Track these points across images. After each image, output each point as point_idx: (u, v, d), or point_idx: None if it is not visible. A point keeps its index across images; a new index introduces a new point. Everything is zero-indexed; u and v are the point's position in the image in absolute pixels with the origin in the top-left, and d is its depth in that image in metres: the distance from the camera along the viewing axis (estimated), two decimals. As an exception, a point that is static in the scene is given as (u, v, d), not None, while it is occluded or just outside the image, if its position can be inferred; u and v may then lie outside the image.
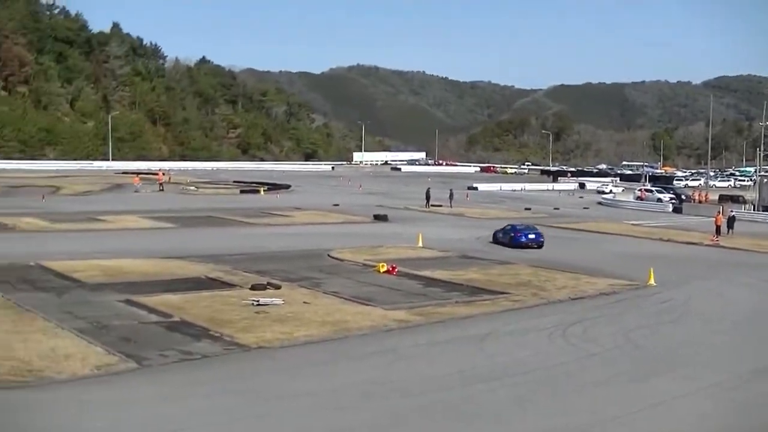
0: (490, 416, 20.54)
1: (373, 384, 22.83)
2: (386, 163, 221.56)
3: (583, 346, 27.90)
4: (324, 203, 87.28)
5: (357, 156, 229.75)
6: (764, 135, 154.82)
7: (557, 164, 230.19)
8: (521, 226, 58.52)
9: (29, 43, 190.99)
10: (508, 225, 58.61)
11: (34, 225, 61.29)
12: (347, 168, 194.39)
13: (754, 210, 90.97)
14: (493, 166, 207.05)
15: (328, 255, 48.76)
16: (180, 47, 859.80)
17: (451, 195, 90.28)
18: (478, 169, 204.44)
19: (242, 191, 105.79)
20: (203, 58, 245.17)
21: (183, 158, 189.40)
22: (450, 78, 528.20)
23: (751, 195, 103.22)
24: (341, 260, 47.21)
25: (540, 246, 54.93)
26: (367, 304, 33.78)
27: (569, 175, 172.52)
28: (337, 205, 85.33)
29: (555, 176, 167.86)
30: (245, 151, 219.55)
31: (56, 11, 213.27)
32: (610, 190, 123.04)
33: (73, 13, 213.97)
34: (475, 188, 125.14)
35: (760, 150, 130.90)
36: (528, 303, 35.73)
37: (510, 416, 20.67)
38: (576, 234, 65.97)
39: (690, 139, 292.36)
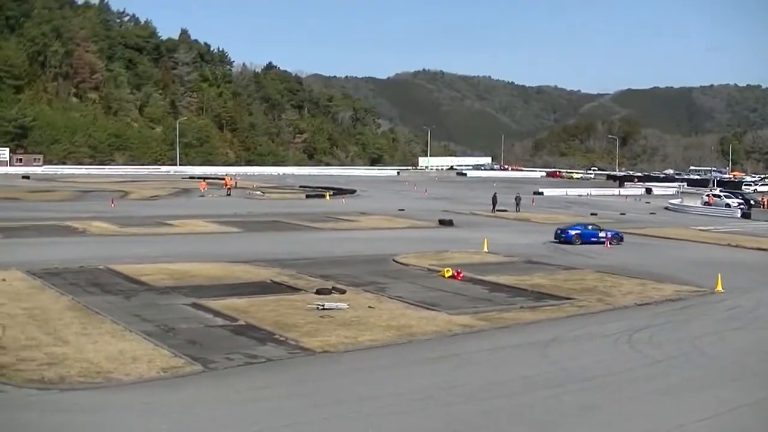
0: (553, 423, 20.42)
1: (436, 389, 22.80)
2: (451, 168, 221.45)
3: (648, 353, 27.62)
4: (389, 208, 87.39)
5: (422, 161, 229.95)
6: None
7: (624, 169, 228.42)
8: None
9: (100, 50, 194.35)
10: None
11: (103, 229, 62.19)
12: (413, 173, 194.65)
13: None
14: (559, 171, 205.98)
15: (393, 260, 48.82)
16: (247, 53, 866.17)
17: (518, 200, 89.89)
18: (544, 174, 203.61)
19: (308, 196, 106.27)
20: (270, 63, 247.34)
21: (249, 163, 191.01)
22: (516, 83, 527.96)
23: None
24: (406, 265, 47.24)
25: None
26: (432, 309, 33.76)
27: (636, 180, 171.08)
28: (402, 209, 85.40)
29: (621, 181, 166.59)
30: (311, 156, 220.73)
31: (126, 19, 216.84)
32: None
33: (142, 20, 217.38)
34: (541, 193, 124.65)
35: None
36: (593, 309, 35.48)
37: (573, 423, 20.52)
38: (642, 239, 65.27)
39: (759, 143, 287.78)
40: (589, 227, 61.93)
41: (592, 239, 59.69)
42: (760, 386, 24.22)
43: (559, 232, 61.50)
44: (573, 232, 60.51)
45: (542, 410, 21.31)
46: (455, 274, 42.76)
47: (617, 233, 61.45)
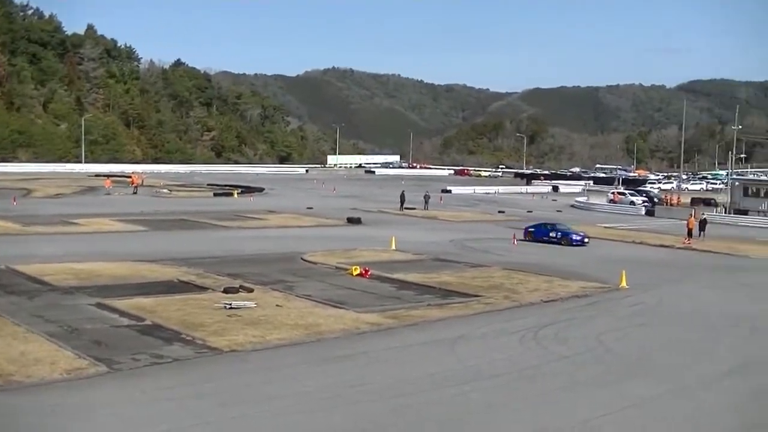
0: (460, 420, 20.56)
1: (344, 387, 22.83)
2: (360, 165, 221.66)
3: (554, 349, 28.00)
4: (298, 206, 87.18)
5: (331, 159, 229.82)
6: (736, 139, 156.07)
7: (531, 167, 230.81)
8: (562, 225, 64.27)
9: (2, 44, 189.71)
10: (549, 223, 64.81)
11: (5, 228, 60.77)
12: (321, 171, 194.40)
13: (725, 213, 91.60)
14: (467, 169, 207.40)
15: (302, 258, 48.72)
16: (155, 50, 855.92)
17: (427, 198, 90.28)
18: (452, 172, 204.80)
19: (216, 194, 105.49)
20: (178, 60, 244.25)
21: (157, 161, 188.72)
22: (425, 81, 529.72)
23: (723, 198, 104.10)
24: (314, 263, 47.18)
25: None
26: (340, 307, 33.77)
27: (543, 178, 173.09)
28: (310, 208, 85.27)
29: (529, 179, 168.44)
30: (219, 154, 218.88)
31: (30, 12, 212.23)
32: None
33: (47, 14, 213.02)
34: (449, 191, 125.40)
35: (732, 153, 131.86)
36: (500, 306, 35.82)
37: (481, 420, 20.69)
38: (549, 237, 66.20)
39: (663, 142, 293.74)
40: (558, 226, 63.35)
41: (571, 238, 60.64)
42: (662, 380, 24.69)
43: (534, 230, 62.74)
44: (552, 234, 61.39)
45: (450, 407, 21.45)
46: (363, 272, 42.84)
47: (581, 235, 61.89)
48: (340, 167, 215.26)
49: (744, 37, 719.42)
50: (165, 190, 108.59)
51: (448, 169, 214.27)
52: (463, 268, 46.60)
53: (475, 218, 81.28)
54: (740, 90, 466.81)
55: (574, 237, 60.15)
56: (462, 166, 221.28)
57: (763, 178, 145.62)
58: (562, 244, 59.03)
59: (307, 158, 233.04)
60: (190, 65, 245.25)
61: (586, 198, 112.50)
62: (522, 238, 61.61)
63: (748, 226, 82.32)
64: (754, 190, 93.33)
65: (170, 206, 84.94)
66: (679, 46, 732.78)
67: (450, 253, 53.79)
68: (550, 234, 61.05)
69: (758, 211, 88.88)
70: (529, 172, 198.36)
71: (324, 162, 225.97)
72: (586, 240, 60.28)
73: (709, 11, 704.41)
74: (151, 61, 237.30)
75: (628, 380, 24.66)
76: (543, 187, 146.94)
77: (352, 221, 72.35)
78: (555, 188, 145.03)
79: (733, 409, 22.37)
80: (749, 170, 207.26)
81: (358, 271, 42.83)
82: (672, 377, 25.18)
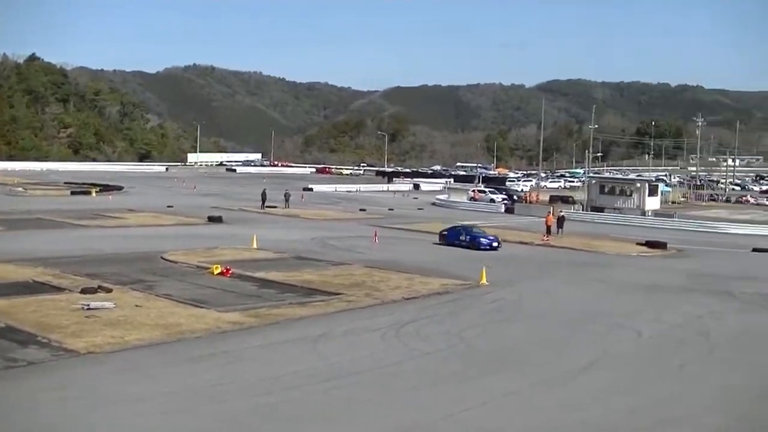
0: (324, 417, 20.66)
1: (207, 386, 22.68)
2: (221, 164, 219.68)
3: (416, 346, 28.31)
4: (158, 205, 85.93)
5: (192, 157, 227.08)
6: (593, 138, 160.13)
7: (393, 165, 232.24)
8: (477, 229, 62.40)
9: None
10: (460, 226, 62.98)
11: None
12: (182, 169, 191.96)
13: (582, 210, 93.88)
14: (329, 167, 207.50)
15: (162, 257, 48.09)
16: (8, 44, 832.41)
17: (287, 196, 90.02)
18: (314, 170, 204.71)
19: (73, 192, 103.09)
20: (33, 54, 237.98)
21: (11, 158, 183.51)
22: (287, 79, 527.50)
23: (580, 195, 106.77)
24: (175, 262, 46.64)
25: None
26: (201, 307, 33.50)
27: (404, 176, 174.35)
28: (171, 206, 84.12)
29: (390, 177, 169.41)
30: (77, 152, 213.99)
31: None
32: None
33: None
34: (311, 189, 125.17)
35: (589, 152, 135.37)
36: (362, 304, 36.03)
37: (344, 417, 20.82)
38: (410, 234, 66.81)
39: (523, 141, 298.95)
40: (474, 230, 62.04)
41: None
42: (523, 375, 25.23)
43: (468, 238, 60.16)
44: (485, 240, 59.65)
45: (312, 405, 21.53)
46: (224, 270, 42.56)
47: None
48: (201, 165, 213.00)
49: (598, 38, 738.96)
50: (20, 189, 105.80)
51: (310, 167, 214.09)
52: (325, 267, 46.70)
53: (337, 216, 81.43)
54: (596, 90, 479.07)
55: (482, 241, 58.96)
56: (324, 164, 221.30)
57: (619, 176, 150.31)
58: (471, 249, 57.74)
59: (167, 156, 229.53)
60: (45, 60, 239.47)
61: (447, 196, 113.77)
62: (438, 241, 61.06)
63: (604, 222, 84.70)
64: (610, 188, 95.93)
65: (25, 205, 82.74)
66: (536, 47, 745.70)
67: (312, 251, 53.83)
68: (460, 237, 59.75)
69: (614, 209, 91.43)
70: (390, 170, 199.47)
71: (184, 160, 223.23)
72: (495, 244, 59.16)
73: (560, 12, 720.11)
74: (4, 54, 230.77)
75: (490, 375, 25.12)
76: (404, 185, 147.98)
77: (213, 220, 71.70)
78: (416, 186, 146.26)
79: (593, 401, 23.00)
80: (605, 168, 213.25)
81: (219, 270, 42.52)
82: (532, 372, 25.73)
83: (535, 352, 28.46)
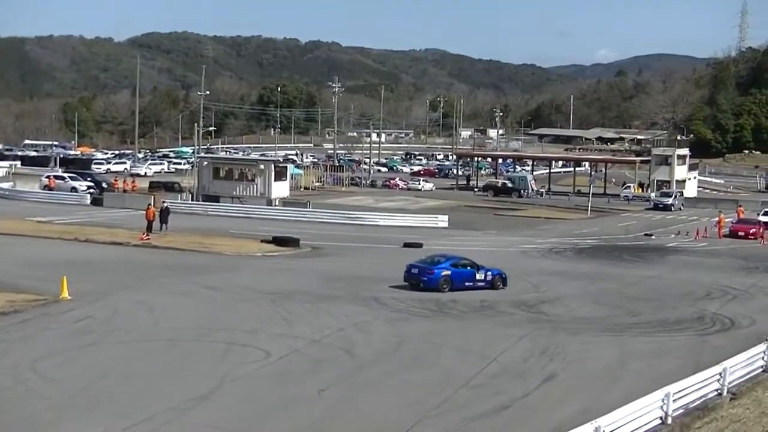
0: None
1: None
2: None
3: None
4: None
5: None
6: (203, 107, 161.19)
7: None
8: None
9: None
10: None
11: None
12: None
13: (192, 200, 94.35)
14: None
15: None
16: None
17: None
18: None
19: None
20: None
21: None
22: None
23: (189, 181, 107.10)
24: None
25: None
26: None
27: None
28: None
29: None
30: None
31: None
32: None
33: None
34: None
35: (199, 126, 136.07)
36: None
37: None
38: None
39: (113, 111, 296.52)
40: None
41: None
42: (116, 416, 24.94)
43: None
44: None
45: None
46: None
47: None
48: None
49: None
50: None
51: None
52: None
53: None
54: (207, 47, 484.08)
55: None
56: None
57: (238, 156, 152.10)
58: None
59: None
60: None
61: (12, 184, 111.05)
62: None
63: (220, 215, 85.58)
64: (227, 171, 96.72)
65: None
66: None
67: None
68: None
69: (232, 197, 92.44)
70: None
71: None
72: None
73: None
74: None
75: (74, 418, 24.75)
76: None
77: None
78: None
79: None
80: (220, 147, 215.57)
81: None
82: (129, 410, 25.52)
83: (134, 384, 28.30)
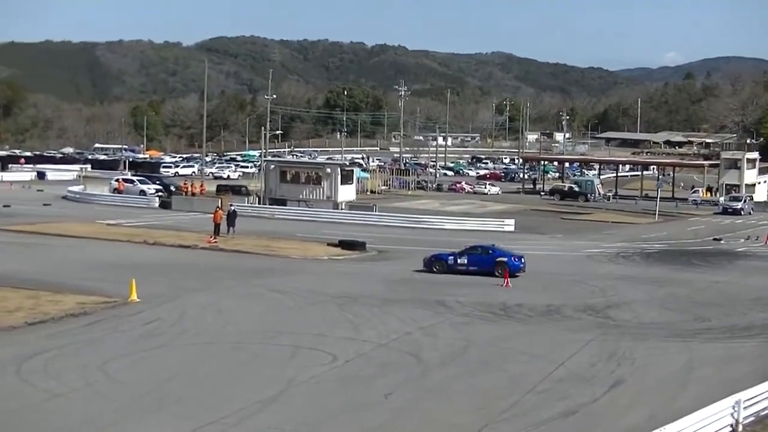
0: None
1: None
2: None
3: (45, 386, 27.63)
4: None
5: None
6: (270, 111, 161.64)
7: (7, 147, 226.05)
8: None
9: None
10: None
11: None
12: None
13: (259, 203, 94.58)
14: None
15: None
16: None
17: None
18: None
19: None
20: None
21: None
22: None
23: (256, 185, 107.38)
24: None
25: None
26: None
27: (23, 161, 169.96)
28: None
29: (4, 163, 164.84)
30: None
31: None
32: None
33: None
34: None
35: (266, 129, 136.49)
36: (-29, 331, 34.89)
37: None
38: (32, 238, 65.11)
39: (180, 115, 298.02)
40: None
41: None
42: (184, 417, 25.03)
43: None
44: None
45: None
46: None
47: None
48: None
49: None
50: None
51: None
52: None
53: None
54: (274, 51, 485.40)
55: None
56: None
57: (305, 159, 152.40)
58: None
59: None
60: None
61: (82, 187, 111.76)
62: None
63: (287, 218, 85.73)
64: (294, 175, 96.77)
65: None
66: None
67: None
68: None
69: (299, 201, 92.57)
70: (5, 153, 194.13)
71: None
72: None
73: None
74: None
75: (142, 420, 24.86)
76: (25, 174, 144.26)
77: None
78: (41, 175, 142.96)
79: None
80: (287, 150, 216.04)
81: None
82: (198, 412, 25.60)
83: (201, 387, 28.39)
